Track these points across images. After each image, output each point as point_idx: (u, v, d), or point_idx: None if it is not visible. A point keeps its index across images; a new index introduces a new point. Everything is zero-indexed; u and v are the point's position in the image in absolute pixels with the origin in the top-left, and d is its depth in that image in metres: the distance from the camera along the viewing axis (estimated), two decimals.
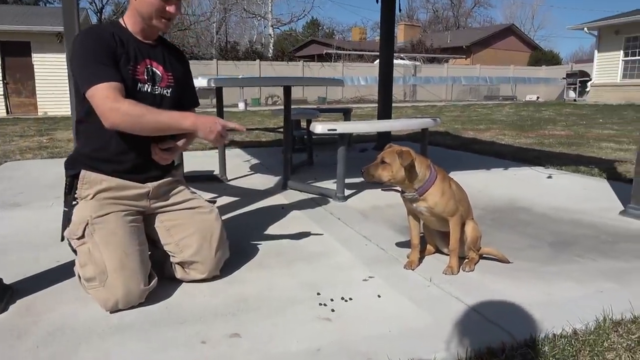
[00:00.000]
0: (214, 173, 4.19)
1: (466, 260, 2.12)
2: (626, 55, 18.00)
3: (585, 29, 18.89)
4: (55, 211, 2.37)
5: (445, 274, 2.02)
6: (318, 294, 1.87)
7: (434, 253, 2.28)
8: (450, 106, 18.21)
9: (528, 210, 3.14)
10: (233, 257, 2.21)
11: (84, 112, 1.85)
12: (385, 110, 4.85)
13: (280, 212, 3.09)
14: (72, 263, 1.88)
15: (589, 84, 19.74)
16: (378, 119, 5.59)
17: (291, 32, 37.25)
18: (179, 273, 1.97)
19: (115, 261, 1.73)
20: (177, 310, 1.75)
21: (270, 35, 29.61)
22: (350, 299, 1.81)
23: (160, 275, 1.92)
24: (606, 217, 2.94)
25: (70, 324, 1.63)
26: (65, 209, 1.88)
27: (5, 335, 1.56)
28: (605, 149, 6.33)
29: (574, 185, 3.91)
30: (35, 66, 14.72)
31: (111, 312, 1.71)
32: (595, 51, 19.35)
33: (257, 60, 22.52)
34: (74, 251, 1.82)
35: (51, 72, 14.47)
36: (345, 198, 3.37)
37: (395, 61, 5.29)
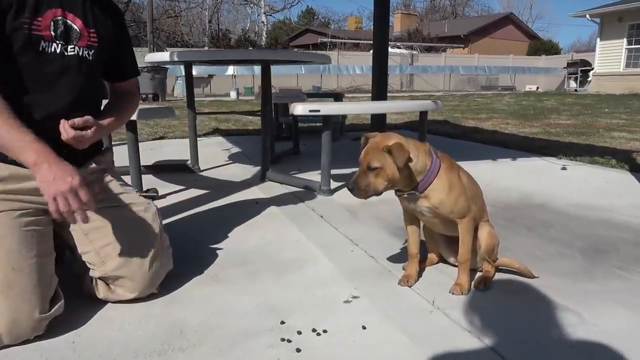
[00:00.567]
0: (187, 163, 3.69)
1: (479, 274, 1.65)
2: (629, 43, 17.49)
3: (588, 16, 18.36)
4: None
5: (453, 293, 1.55)
6: (282, 322, 1.39)
7: (436, 263, 1.81)
8: (448, 96, 17.71)
9: (546, 207, 2.66)
10: (182, 266, 1.73)
11: None
12: (380, 92, 4.36)
13: (253, 208, 2.61)
14: None
15: (590, 73, 19.24)
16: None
17: (285, 20, 36.51)
18: (101, 291, 1.49)
19: None
20: (85, 348, 1.27)
21: (263, 23, 28.90)
22: (325, 331, 1.34)
23: (78, 294, 1.44)
24: None
25: None
26: None
27: None
28: (618, 139, 5.87)
29: (594, 178, 3.44)
30: None
31: None
32: (598, 39, 18.83)
33: (250, 49, 21.91)
34: None
35: None
36: (331, 192, 2.89)
37: (391, 50, 4.80)
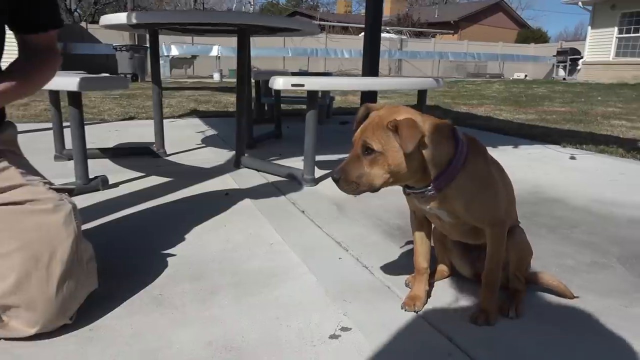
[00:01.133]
0: (155, 147, 3.23)
1: (509, 294, 1.26)
2: (621, 32, 17.26)
3: (580, 3, 18.06)
4: None
5: (477, 322, 1.16)
6: None
7: (448, 277, 1.42)
8: None
9: (563, 202, 2.29)
10: (116, 282, 1.31)
11: None
12: (372, 70, 3.93)
13: (221, 201, 2.19)
14: None
15: (580, 62, 19.04)
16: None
17: (273, 2, 35.60)
18: None
19: None
20: None
21: (250, 3, 28.05)
22: None
23: None
24: None
25: None
26: None
27: None
28: (619, 127, 5.57)
29: (609, 169, 3.08)
30: None
31: None
32: (589, 27, 18.58)
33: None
34: None
35: None
36: (316, 181, 2.48)
37: (381, 34, 4.33)
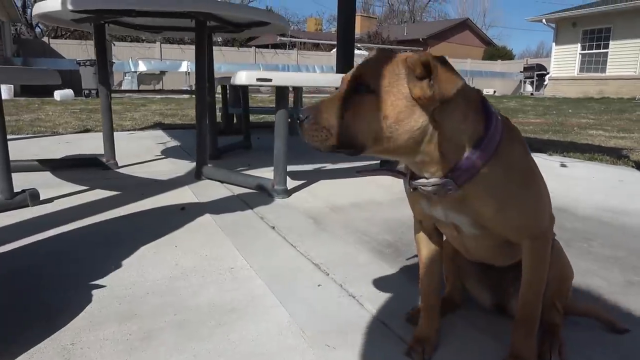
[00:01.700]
0: (104, 158, 2.84)
1: (544, 330, 0.95)
2: (583, 48, 17.79)
3: (544, 20, 18.57)
4: None
5: None
6: None
7: (459, 306, 1.10)
8: None
9: (569, 212, 2.03)
10: (21, 325, 0.94)
11: None
12: (346, 57, 3.66)
13: (175, 217, 1.83)
14: None
15: (546, 77, 19.50)
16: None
17: None
18: None
19: None
20: None
21: None
22: None
23: None
24: None
25: None
26: None
27: None
28: (598, 137, 5.48)
29: (605, 176, 2.87)
30: None
31: None
32: (553, 44, 19.11)
33: None
34: None
35: None
36: (288, 192, 2.14)
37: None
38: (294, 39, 26.84)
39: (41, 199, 1.99)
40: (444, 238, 0.95)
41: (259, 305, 1.11)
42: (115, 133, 4.60)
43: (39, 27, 22.72)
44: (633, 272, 1.37)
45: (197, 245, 1.51)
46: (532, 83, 20.36)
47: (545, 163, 3.28)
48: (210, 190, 2.27)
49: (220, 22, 2.47)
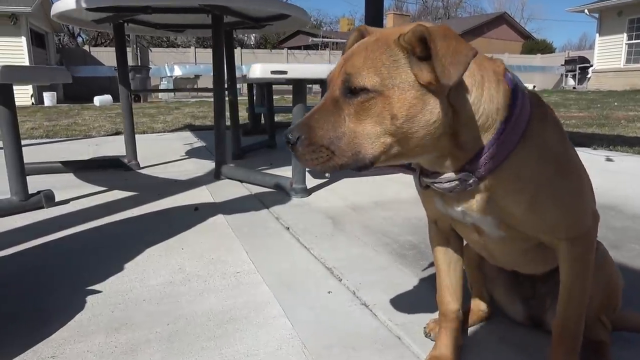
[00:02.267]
0: (126, 159, 2.82)
1: (588, 348, 0.79)
2: (630, 38, 16.84)
3: (586, 10, 17.70)
4: None
5: None
6: None
7: (487, 319, 0.96)
8: None
9: (618, 210, 1.83)
10: (4, 333, 0.87)
11: None
12: None
13: (186, 218, 1.75)
14: None
15: (590, 70, 18.60)
16: None
17: None
18: None
19: None
20: None
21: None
22: None
23: None
24: None
25: None
26: None
27: None
28: None
29: None
30: None
31: None
32: (596, 35, 18.19)
33: (239, 48, 21.11)
34: None
35: (3, 58, 12.78)
36: (307, 191, 2.04)
37: None
38: (326, 40, 26.81)
39: (59, 200, 1.97)
40: (465, 242, 0.81)
41: (261, 315, 1.00)
42: (144, 135, 4.66)
43: (80, 36, 23.64)
44: None
45: (204, 247, 1.42)
46: (574, 76, 19.45)
47: (589, 157, 3.03)
48: (227, 190, 2.19)
49: (238, 17, 2.39)
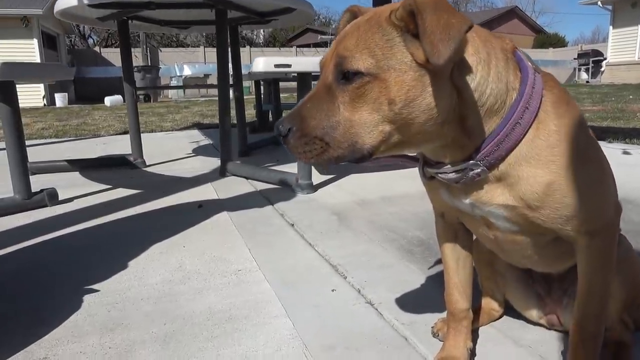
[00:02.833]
0: (132, 157, 2.80)
1: (609, 351, 0.74)
2: None
3: (599, 3, 17.39)
4: None
5: None
6: None
7: (499, 318, 0.90)
8: None
9: (636, 203, 1.76)
10: None
11: None
12: None
13: (190, 215, 1.72)
14: None
15: (603, 63, 18.28)
16: None
17: None
18: None
19: None
20: None
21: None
22: None
23: None
24: None
25: None
26: None
27: None
28: None
29: None
30: None
31: None
32: (610, 27, 17.87)
33: (247, 47, 21.12)
34: None
35: (16, 61, 12.90)
36: (313, 187, 1.99)
37: None
38: (334, 37, 26.68)
39: (63, 198, 1.95)
40: (474, 237, 0.76)
41: (261, 315, 0.96)
42: (152, 134, 4.65)
43: (91, 37, 23.85)
44: None
45: (206, 245, 1.39)
46: (587, 70, 19.13)
47: (606, 151, 2.90)
48: (232, 187, 2.15)
49: (242, 11, 2.35)
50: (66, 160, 2.63)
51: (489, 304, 0.88)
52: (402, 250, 1.31)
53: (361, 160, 0.57)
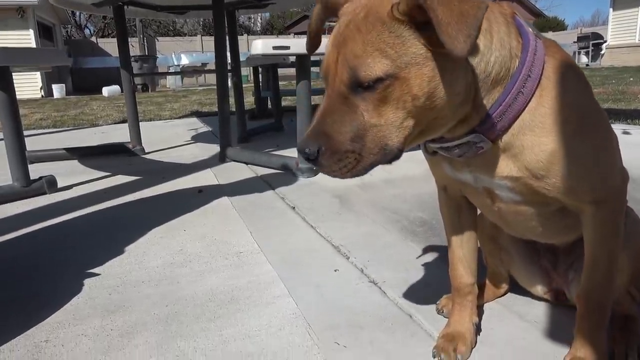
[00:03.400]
0: (130, 145, 2.78)
1: (616, 324, 0.73)
2: None
3: None
4: None
5: None
6: None
7: (504, 294, 0.90)
8: None
9: (639, 182, 1.74)
10: None
11: None
12: None
13: (190, 200, 1.71)
14: None
15: (603, 46, 18.15)
16: None
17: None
18: None
19: None
20: None
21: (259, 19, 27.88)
22: None
23: None
24: None
25: None
26: None
27: None
28: None
29: None
30: None
31: None
32: (610, 10, 17.70)
33: (245, 35, 20.95)
34: None
35: None
36: (314, 172, 1.98)
37: None
38: (333, 24, 26.47)
39: (62, 185, 1.94)
40: (479, 212, 0.75)
41: (264, 295, 0.96)
42: (151, 122, 4.62)
43: (87, 28, 23.64)
44: None
45: (207, 228, 1.38)
46: (587, 53, 18.99)
47: None
48: (232, 172, 2.14)
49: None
50: (65, 149, 2.61)
51: (494, 280, 0.87)
52: (405, 231, 1.30)
53: (393, 159, 0.56)
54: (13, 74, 1.66)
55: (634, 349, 0.68)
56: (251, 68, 4.73)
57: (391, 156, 0.55)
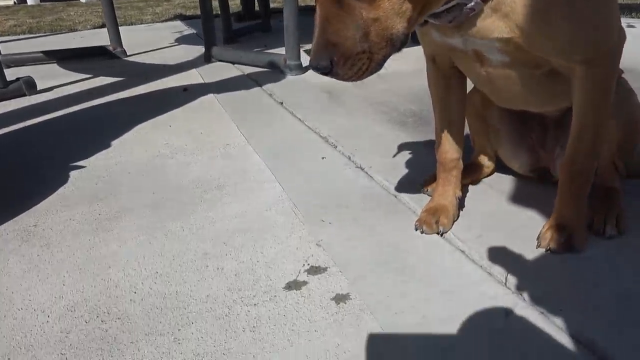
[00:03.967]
0: (110, 47, 2.64)
1: (599, 195, 0.74)
2: None
3: None
4: None
5: (551, 249, 0.65)
6: None
7: (491, 174, 0.90)
8: None
9: (638, 72, 1.69)
10: None
11: None
12: None
13: (175, 98, 1.66)
14: None
15: None
16: None
17: None
18: None
19: None
20: None
21: None
22: None
23: None
24: None
25: None
26: None
27: None
28: None
29: None
30: None
31: None
32: None
33: None
34: None
35: None
36: (303, 69, 1.91)
37: None
38: None
39: (42, 88, 1.87)
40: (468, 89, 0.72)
41: (250, 181, 0.96)
42: (132, 26, 4.38)
43: None
44: None
45: (193, 124, 1.35)
46: None
47: None
48: (218, 71, 2.06)
49: None
50: (42, 52, 2.48)
51: (481, 160, 0.87)
52: (394, 122, 1.28)
53: (402, 45, 0.54)
54: None
55: (612, 218, 0.69)
56: None
57: (399, 44, 0.54)
